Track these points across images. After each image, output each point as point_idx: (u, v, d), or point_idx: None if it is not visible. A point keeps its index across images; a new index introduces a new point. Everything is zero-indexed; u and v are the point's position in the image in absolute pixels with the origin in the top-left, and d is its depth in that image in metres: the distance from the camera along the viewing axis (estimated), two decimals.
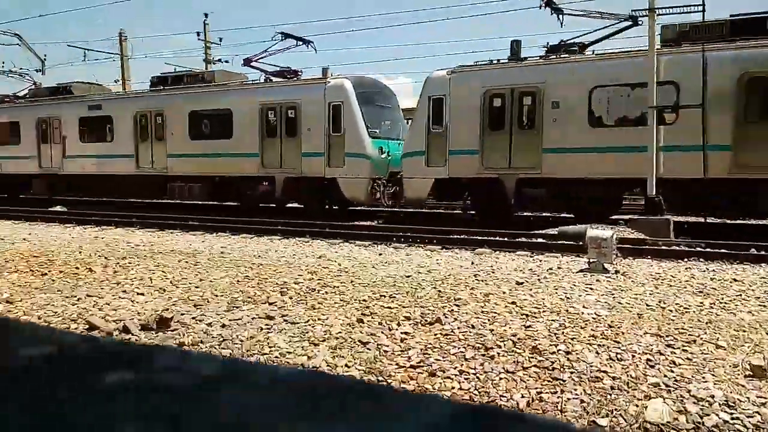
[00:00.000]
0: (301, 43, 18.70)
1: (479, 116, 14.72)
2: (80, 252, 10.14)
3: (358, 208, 18.33)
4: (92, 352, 0.76)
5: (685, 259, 9.36)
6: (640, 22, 13.74)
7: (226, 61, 29.82)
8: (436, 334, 5.56)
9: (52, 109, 22.66)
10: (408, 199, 16.29)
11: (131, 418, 0.57)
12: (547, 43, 15.83)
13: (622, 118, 13.54)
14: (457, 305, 6.35)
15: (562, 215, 15.73)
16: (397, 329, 5.73)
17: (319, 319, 6.10)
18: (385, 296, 6.82)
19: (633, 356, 4.88)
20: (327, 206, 18.02)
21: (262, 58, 18.59)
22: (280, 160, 17.42)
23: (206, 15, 34.46)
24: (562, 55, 14.50)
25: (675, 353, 4.91)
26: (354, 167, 16.37)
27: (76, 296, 7.35)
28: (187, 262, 9.21)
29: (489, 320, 5.82)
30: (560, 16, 14.77)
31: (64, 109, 22.38)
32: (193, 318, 6.36)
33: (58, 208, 19.79)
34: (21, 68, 26.27)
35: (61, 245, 11.04)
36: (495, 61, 15.26)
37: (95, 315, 6.60)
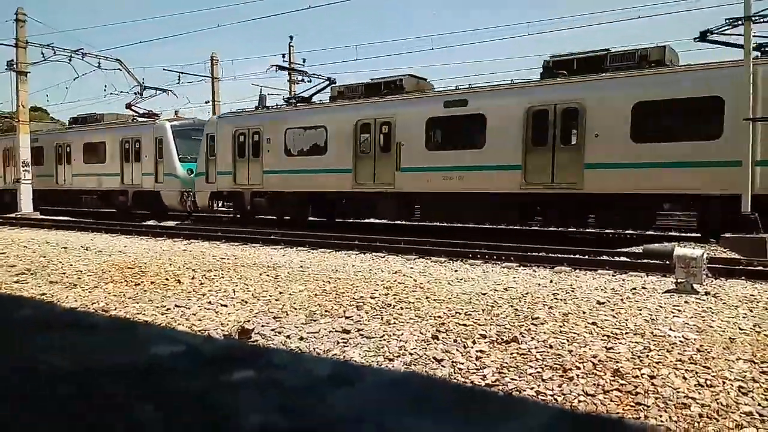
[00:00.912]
0: (161, 92, 27.92)
1: (232, 148, 21.46)
2: (170, 264, 10.68)
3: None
4: (215, 351, 0.84)
5: None
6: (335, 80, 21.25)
7: (309, 80, 30.82)
8: (512, 353, 5.47)
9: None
10: (199, 207, 22.80)
11: (258, 408, 0.63)
12: (283, 96, 25.81)
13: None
14: (534, 324, 6.22)
15: (649, 232, 15.11)
16: (472, 347, 5.68)
17: (394, 335, 6.14)
18: (460, 313, 6.77)
19: (724, 383, 4.61)
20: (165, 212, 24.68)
21: (138, 103, 27.25)
22: (131, 178, 25.37)
23: (291, 37, 35.75)
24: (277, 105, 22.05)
25: None
26: (169, 183, 23.77)
27: (165, 306, 7.75)
28: (268, 275, 9.51)
29: (568, 340, 5.67)
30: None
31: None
32: (273, 330, 6.56)
33: (150, 222, 20.99)
34: (121, 91, 28.25)
35: (153, 257, 11.68)
36: (244, 110, 22.43)
37: (182, 324, 6.93)
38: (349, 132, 18.40)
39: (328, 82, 21.78)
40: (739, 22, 12.34)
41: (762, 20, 12.44)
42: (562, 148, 14.79)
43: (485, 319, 6.52)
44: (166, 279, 9.36)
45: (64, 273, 10.19)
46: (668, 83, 13.52)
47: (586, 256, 11.13)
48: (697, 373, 4.81)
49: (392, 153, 17.51)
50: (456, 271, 10.05)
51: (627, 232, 16.25)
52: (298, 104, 21.57)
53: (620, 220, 14.88)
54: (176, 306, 7.73)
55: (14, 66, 26.64)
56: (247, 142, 21.13)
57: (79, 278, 9.69)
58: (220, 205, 23.68)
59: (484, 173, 15.80)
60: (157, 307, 7.76)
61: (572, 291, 7.98)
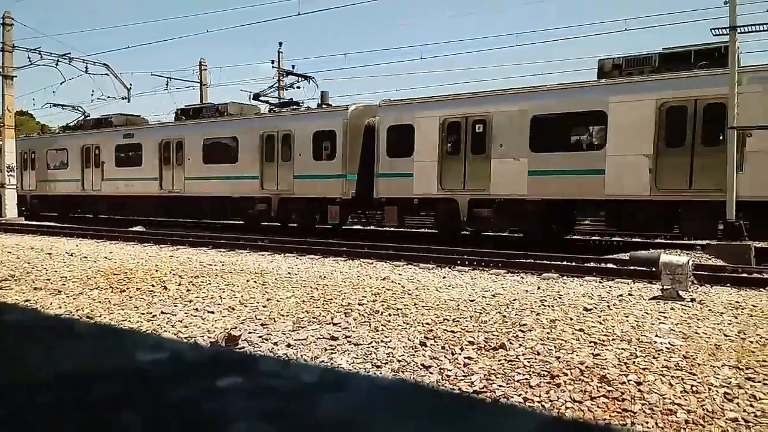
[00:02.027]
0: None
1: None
2: (156, 270, 10.60)
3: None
4: (202, 357, 0.83)
5: None
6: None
7: (298, 87, 30.86)
8: (500, 360, 5.48)
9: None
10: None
11: (245, 413, 0.63)
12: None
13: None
14: (522, 331, 6.23)
15: (634, 240, 15.25)
16: (460, 354, 5.68)
17: (382, 341, 6.13)
18: (448, 320, 6.77)
19: (710, 389, 4.64)
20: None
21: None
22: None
23: (280, 44, 35.76)
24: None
25: (756, 387, 4.63)
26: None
27: (151, 312, 7.68)
28: (255, 281, 9.46)
29: (555, 347, 5.68)
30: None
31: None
32: (260, 337, 6.52)
33: (137, 228, 20.81)
34: (109, 96, 28.10)
35: (139, 263, 11.58)
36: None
37: (168, 331, 6.87)
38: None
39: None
40: (724, 32, 12.50)
41: (748, 31, 12.61)
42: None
43: (473, 325, 6.52)
44: (153, 285, 9.28)
45: (48, 279, 10.08)
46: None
47: (573, 263, 11.18)
48: (683, 379, 4.84)
49: None
50: (444, 277, 10.06)
51: (614, 239, 16.37)
52: None
53: None
54: (162, 312, 7.67)
55: (0, 70, 26.40)
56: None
57: (64, 284, 9.59)
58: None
59: None
60: (143, 313, 7.69)
61: (559, 298, 8.01)
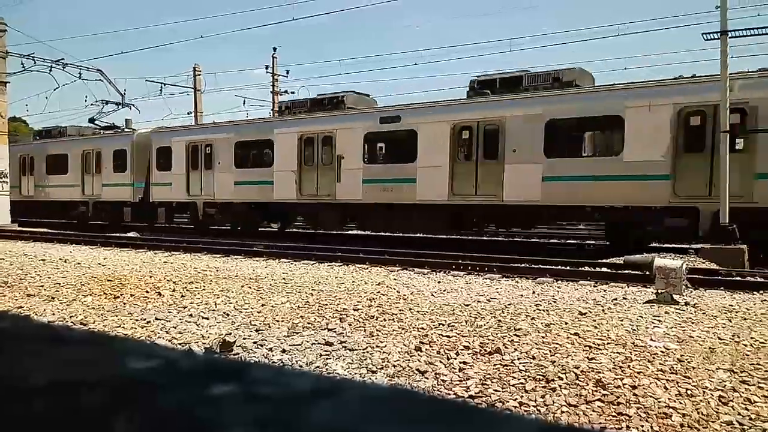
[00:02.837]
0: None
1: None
2: (150, 276, 10.56)
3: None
4: (196, 364, 0.82)
5: (761, 291, 8.87)
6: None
7: (293, 92, 30.92)
8: (495, 365, 5.47)
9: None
10: None
11: (239, 419, 0.62)
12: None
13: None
14: (517, 335, 6.24)
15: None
16: (455, 358, 5.67)
17: (377, 347, 6.11)
18: (443, 324, 6.77)
19: (704, 392, 4.65)
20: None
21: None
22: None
23: (275, 49, 35.76)
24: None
25: (750, 390, 4.64)
26: None
27: (145, 319, 7.65)
28: (250, 287, 9.44)
29: (550, 351, 5.68)
30: None
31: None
32: (255, 343, 6.49)
33: (131, 234, 20.75)
34: (102, 101, 28.02)
35: (133, 270, 11.54)
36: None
37: (162, 338, 6.84)
38: None
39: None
40: (716, 36, 12.58)
41: (738, 35, 12.70)
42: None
43: (468, 330, 6.52)
44: (147, 291, 9.24)
45: (41, 286, 10.02)
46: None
47: (568, 267, 11.21)
48: (678, 383, 4.84)
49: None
50: (439, 282, 10.06)
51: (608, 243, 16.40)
52: None
53: None
54: (156, 319, 7.63)
55: None
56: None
57: (58, 291, 9.53)
58: None
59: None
60: (137, 320, 7.65)
61: (554, 302, 8.02)
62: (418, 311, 7.46)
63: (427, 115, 17.02)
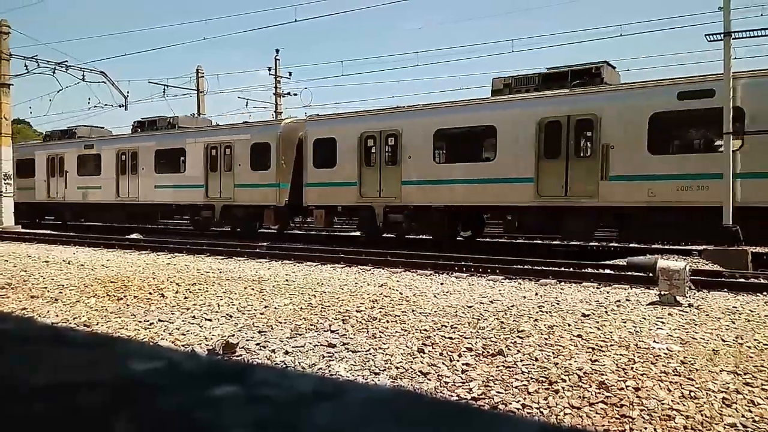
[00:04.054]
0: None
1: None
2: (153, 278, 10.57)
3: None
4: (198, 366, 0.82)
5: (765, 293, 8.84)
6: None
7: (295, 94, 30.97)
8: (498, 366, 5.46)
9: None
10: None
11: (241, 422, 0.62)
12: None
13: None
14: (520, 337, 6.23)
15: (632, 245, 15.28)
16: (458, 360, 5.67)
17: (380, 348, 6.11)
18: (446, 326, 6.76)
19: (708, 394, 4.64)
20: None
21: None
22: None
23: (277, 51, 35.76)
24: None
25: (754, 392, 4.63)
26: None
27: (148, 321, 7.66)
28: (253, 289, 9.45)
29: (553, 353, 5.68)
30: None
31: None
32: (257, 344, 6.50)
33: (134, 236, 20.78)
34: (106, 104, 28.08)
35: (136, 271, 11.56)
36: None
37: (165, 339, 6.85)
38: None
39: None
40: (719, 38, 12.57)
41: (742, 36, 12.69)
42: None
43: (471, 332, 6.51)
44: (150, 293, 9.26)
45: (45, 287, 10.04)
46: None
47: (571, 269, 11.19)
48: (681, 384, 4.83)
49: None
50: (442, 284, 10.06)
51: (611, 244, 16.41)
52: None
53: None
54: (159, 320, 7.64)
55: None
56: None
57: (61, 292, 9.55)
58: None
59: None
60: (140, 321, 7.66)
61: (557, 303, 8.01)
62: (420, 313, 7.46)
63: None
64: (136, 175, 24.67)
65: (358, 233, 20.32)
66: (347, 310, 7.66)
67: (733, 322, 6.86)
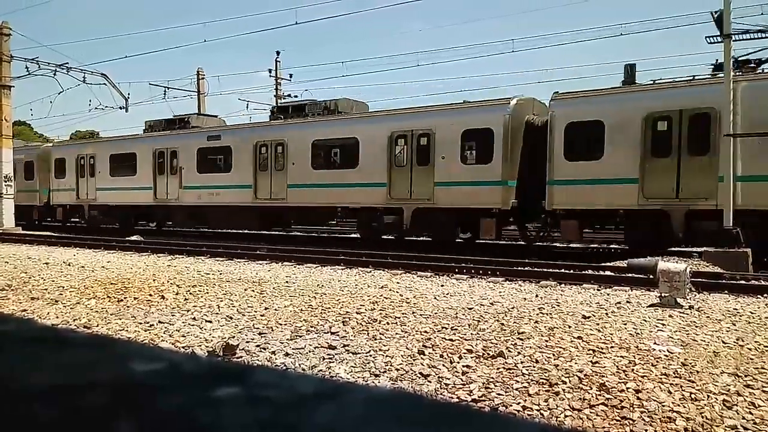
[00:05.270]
0: None
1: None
2: (154, 279, 10.57)
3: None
4: (199, 367, 0.82)
5: (766, 295, 8.84)
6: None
7: (296, 96, 30.91)
8: (498, 368, 5.46)
9: None
10: None
11: (241, 423, 0.62)
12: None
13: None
14: (520, 339, 6.22)
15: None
16: (458, 362, 5.67)
17: (380, 350, 6.11)
18: (446, 328, 6.76)
19: (708, 396, 4.63)
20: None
21: None
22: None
23: (278, 53, 35.77)
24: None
25: (754, 394, 4.63)
26: None
27: (148, 322, 7.66)
28: (253, 290, 9.44)
29: (554, 355, 5.67)
30: None
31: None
32: (258, 346, 6.49)
33: (134, 238, 20.77)
34: (107, 106, 28.06)
35: (136, 273, 11.56)
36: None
37: (165, 341, 6.84)
38: None
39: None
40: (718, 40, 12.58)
41: (741, 38, 12.70)
42: None
43: (471, 333, 6.51)
44: (150, 295, 9.26)
45: (45, 289, 10.04)
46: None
47: (571, 271, 11.19)
48: (681, 386, 4.83)
49: None
50: (442, 285, 10.05)
51: (611, 246, 16.40)
52: None
53: None
54: (160, 322, 7.64)
55: None
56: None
57: (61, 294, 9.55)
58: None
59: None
60: (140, 323, 7.66)
61: (558, 305, 8.00)
62: (421, 314, 7.45)
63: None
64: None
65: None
66: (347, 312, 7.66)
67: (734, 324, 6.86)
